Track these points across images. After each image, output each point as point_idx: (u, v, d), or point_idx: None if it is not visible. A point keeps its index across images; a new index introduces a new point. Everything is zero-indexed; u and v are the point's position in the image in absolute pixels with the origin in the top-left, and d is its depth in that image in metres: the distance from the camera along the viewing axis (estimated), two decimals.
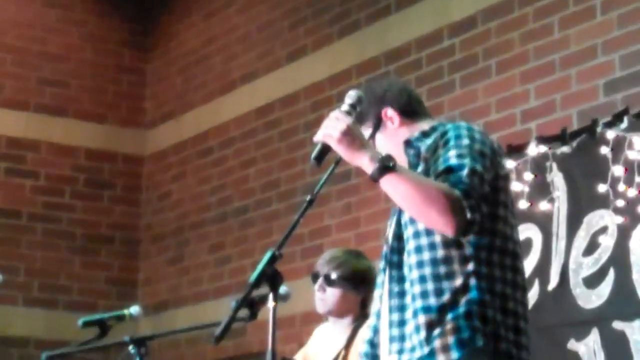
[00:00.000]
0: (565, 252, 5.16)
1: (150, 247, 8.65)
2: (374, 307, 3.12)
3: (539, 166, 5.34)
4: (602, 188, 5.01)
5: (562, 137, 5.28)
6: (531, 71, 5.79)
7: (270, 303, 2.86)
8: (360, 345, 3.22)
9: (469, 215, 2.75)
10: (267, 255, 2.85)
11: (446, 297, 2.83)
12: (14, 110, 8.41)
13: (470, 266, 2.85)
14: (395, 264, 2.95)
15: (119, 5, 8.94)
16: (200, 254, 8.11)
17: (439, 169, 2.85)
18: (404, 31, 6.67)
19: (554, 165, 5.29)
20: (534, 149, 5.35)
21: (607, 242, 4.99)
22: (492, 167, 2.89)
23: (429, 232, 2.87)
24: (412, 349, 2.87)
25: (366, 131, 3.05)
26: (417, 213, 2.83)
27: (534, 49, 5.80)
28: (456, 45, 6.26)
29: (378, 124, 3.07)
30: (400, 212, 2.98)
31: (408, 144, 3.04)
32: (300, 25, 7.53)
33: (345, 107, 2.95)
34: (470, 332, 2.80)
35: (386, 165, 2.80)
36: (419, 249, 2.88)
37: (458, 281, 2.84)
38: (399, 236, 2.95)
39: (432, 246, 2.87)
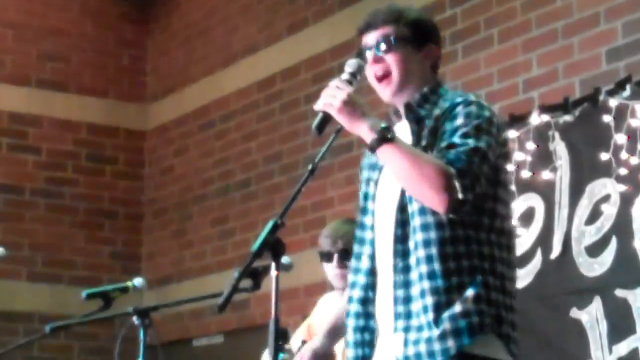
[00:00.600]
0: (568, 220, 5.16)
1: (153, 221, 8.66)
2: (362, 264, 3.01)
3: (541, 135, 5.33)
4: (604, 156, 5.00)
5: (564, 106, 5.26)
6: (533, 40, 5.77)
7: (273, 272, 2.86)
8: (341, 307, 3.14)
9: (460, 195, 2.74)
10: (269, 224, 2.84)
11: (454, 278, 2.81)
12: (15, 85, 8.40)
13: (475, 247, 2.84)
14: (399, 237, 2.91)
15: None
16: (203, 228, 8.12)
17: (441, 144, 2.83)
18: (405, 2, 6.62)
19: (557, 134, 5.27)
20: (537, 118, 5.34)
21: (610, 211, 4.99)
22: (496, 145, 2.88)
23: (435, 210, 2.84)
24: (420, 328, 2.84)
25: (385, 30, 2.99)
26: (410, 187, 2.82)
27: (535, 17, 5.78)
28: (458, 14, 6.24)
29: (417, 45, 3.01)
30: None
31: (409, 108, 3.00)
32: None
33: (345, 75, 2.94)
34: (479, 316, 2.80)
35: (384, 136, 2.80)
36: (425, 227, 2.85)
37: (465, 262, 2.83)
38: (402, 207, 2.91)
39: (439, 225, 2.83)
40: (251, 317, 7.36)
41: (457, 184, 2.74)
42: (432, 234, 2.84)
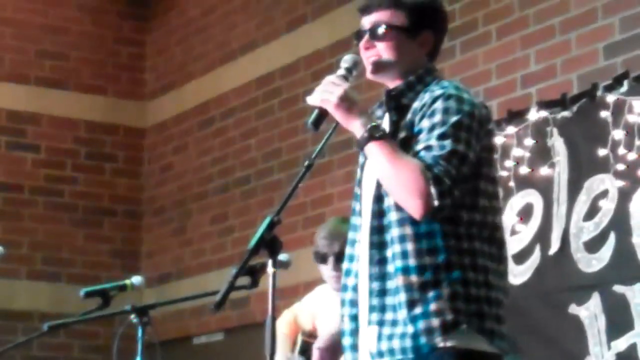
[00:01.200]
0: (566, 216, 5.16)
1: (153, 219, 8.66)
2: (355, 250, 2.95)
3: (539, 131, 5.33)
4: (602, 152, 5.00)
5: (562, 102, 5.26)
6: (531, 36, 5.77)
7: (270, 269, 2.85)
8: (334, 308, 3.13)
9: (436, 202, 2.70)
10: (266, 222, 2.84)
11: (428, 274, 2.77)
12: (13, 83, 8.40)
13: (452, 242, 2.79)
14: (375, 228, 2.87)
15: None
16: (202, 225, 8.12)
17: (418, 146, 2.79)
18: None
19: (555, 130, 5.27)
20: (535, 114, 5.34)
21: (608, 206, 4.98)
22: (477, 141, 2.82)
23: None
24: (394, 323, 2.80)
25: (380, 15, 2.94)
26: (388, 189, 2.80)
27: (533, 13, 5.78)
28: (456, 10, 6.23)
29: (412, 32, 2.94)
30: None
31: (390, 96, 2.94)
32: None
33: (341, 71, 2.93)
34: (453, 315, 2.75)
35: (372, 135, 2.79)
36: (401, 222, 2.81)
37: (440, 257, 2.78)
38: (378, 197, 2.87)
39: (415, 221, 2.78)
40: (251, 314, 7.36)
41: (433, 191, 2.70)
42: (408, 229, 2.80)
